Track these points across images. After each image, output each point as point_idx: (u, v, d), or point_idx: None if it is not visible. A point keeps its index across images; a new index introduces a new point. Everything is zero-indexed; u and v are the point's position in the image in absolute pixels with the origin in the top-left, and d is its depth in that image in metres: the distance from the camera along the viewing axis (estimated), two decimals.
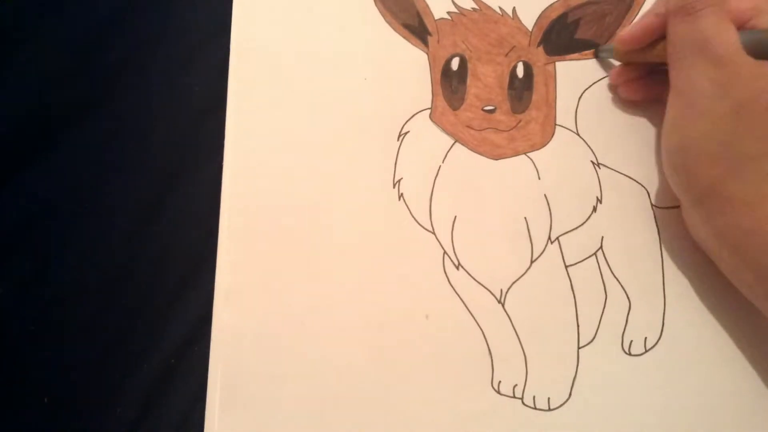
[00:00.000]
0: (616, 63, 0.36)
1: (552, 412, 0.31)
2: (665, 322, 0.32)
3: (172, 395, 0.30)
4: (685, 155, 0.30)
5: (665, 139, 0.31)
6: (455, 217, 0.33)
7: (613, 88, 0.36)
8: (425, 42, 0.36)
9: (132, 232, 0.32)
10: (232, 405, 0.30)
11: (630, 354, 0.32)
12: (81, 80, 0.33)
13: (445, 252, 0.33)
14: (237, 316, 0.30)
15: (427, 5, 0.36)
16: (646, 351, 0.32)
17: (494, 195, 0.34)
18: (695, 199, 0.30)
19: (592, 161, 0.35)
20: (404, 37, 0.36)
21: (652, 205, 0.34)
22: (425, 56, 0.35)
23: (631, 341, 0.32)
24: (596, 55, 0.36)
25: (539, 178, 0.34)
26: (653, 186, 0.34)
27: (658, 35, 0.33)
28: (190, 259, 0.31)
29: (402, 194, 0.33)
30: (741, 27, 0.30)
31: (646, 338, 0.32)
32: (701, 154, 0.29)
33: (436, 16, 0.36)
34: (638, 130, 0.36)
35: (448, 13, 0.36)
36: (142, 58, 0.34)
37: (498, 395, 0.31)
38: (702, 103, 0.29)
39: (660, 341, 0.32)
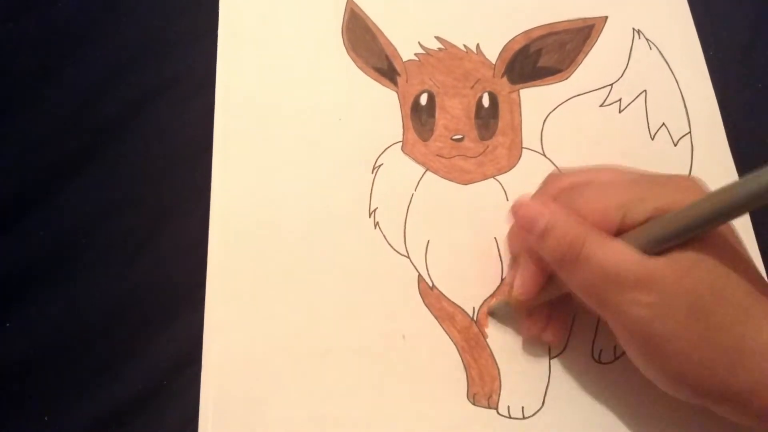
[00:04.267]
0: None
1: (526, 420, 0.32)
2: None
3: (163, 416, 0.32)
4: (680, 379, 0.27)
5: (648, 373, 0.29)
6: (428, 241, 0.35)
7: (534, 337, 0.33)
8: (395, 82, 0.39)
9: (126, 265, 0.35)
10: (224, 425, 0.32)
11: (600, 362, 0.33)
12: (79, 132, 0.37)
13: (419, 274, 0.35)
14: (226, 344, 0.33)
15: (396, 49, 0.39)
16: (616, 359, 0.33)
17: (465, 218, 0.36)
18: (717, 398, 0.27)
19: None
20: (375, 79, 0.39)
21: None
22: (395, 94, 0.38)
23: (601, 350, 0.33)
24: (492, 314, 0.34)
25: (507, 200, 0.36)
26: None
27: (545, 277, 0.31)
28: (182, 289, 0.34)
29: (377, 223, 0.36)
30: (619, 231, 0.28)
31: (615, 347, 0.33)
32: (690, 369, 0.26)
33: (404, 58, 0.39)
34: (603, 146, 0.38)
35: (416, 54, 0.39)
36: (136, 109, 0.38)
37: (474, 407, 0.32)
38: (654, 331, 0.26)
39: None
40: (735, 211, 0.25)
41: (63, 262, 0.35)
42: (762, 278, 0.28)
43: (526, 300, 0.31)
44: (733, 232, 0.29)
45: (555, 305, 0.32)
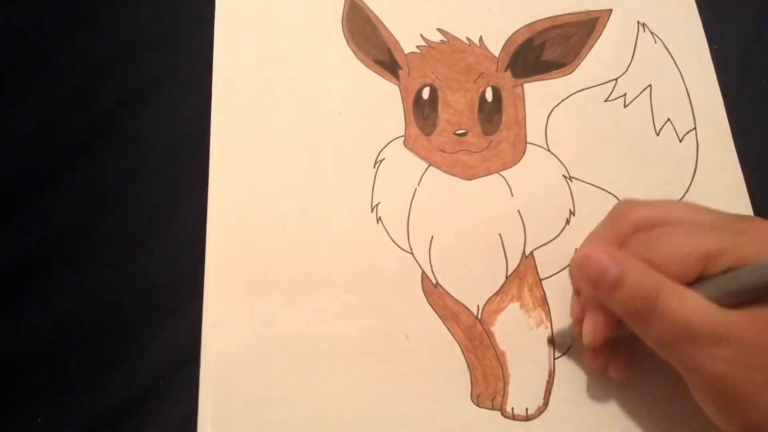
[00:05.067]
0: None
1: (530, 422, 0.31)
2: None
3: (160, 416, 0.31)
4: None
5: (724, 425, 0.27)
6: (432, 236, 0.34)
7: (598, 373, 0.32)
8: (396, 75, 0.38)
9: (122, 263, 0.34)
10: (223, 426, 0.31)
11: None
12: (73, 126, 0.36)
13: (423, 271, 0.34)
14: (224, 343, 0.32)
15: (397, 41, 0.38)
16: None
17: (469, 214, 0.35)
18: None
19: (563, 175, 0.36)
20: (376, 72, 0.38)
21: None
22: (397, 88, 0.38)
23: None
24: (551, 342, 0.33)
25: (512, 195, 0.35)
26: (625, 196, 0.35)
27: (615, 322, 0.29)
28: (179, 287, 0.33)
29: (380, 218, 0.35)
30: (697, 280, 0.27)
31: None
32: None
33: (406, 51, 0.38)
34: (607, 141, 0.37)
35: (417, 46, 0.38)
36: (132, 103, 0.37)
37: (477, 408, 0.32)
38: (732, 385, 0.26)
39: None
40: None
41: (57, 259, 0.34)
42: None
43: (593, 347, 0.30)
44: None
45: (618, 340, 0.31)
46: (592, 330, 0.29)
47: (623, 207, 0.31)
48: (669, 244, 0.28)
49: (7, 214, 0.34)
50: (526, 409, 0.32)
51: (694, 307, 0.26)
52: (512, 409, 0.31)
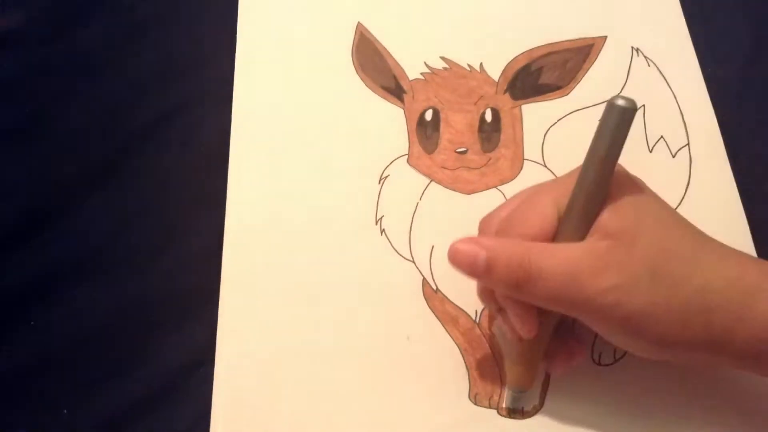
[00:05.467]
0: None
1: (526, 421, 0.32)
2: None
3: (176, 413, 0.33)
4: (662, 343, 0.28)
5: (634, 349, 0.29)
6: (433, 246, 0.37)
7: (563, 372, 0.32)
8: (401, 99, 0.41)
9: (145, 271, 0.37)
10: (235, 423, 0.33)
11: (600, 364, 0.33)
12: (105, 147, 0.40)
13: (423, 278, 0.36)
14: (237, 345, 0.34)
15: (403, 69, 0.41)
16: (616, 361, 0.33)
17: (468, 226, 0.37)
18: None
19: None
20: (382, 97, 0.41)
21: None
22: (401, 111, 0.40)
23: (601, 352, 0.34)
24: (512, 416, 0.33)
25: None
26: None
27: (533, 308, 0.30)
28: (197, 293, 0.36)
29: (384, 229, 0.37)
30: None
31: (615, 349, 0.34)
32: (668, 331, 0.27)
33: (411, 77, 0.41)
34: None
35: (422, 73, 0.41)
36: (157, 125, 0.41)
37: (475, 407, 0.33)
38: (626, 309, 0.27)
39: (628, 352, 0.33)
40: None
41: (85, 266, 0.37)
42: (685, 221, 0.29)
43: (535, 338, 0.30)
44: (646, 186, 0.30)
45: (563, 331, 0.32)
46: (520, 323, 0.29)
47: (486, 217, 0.33)
48: (523, 211, 0.29)
49: (41, 227, 0.38)
50: (522, 407, 0.33)
51: (562, 254, 0.27)
52: (509, 408, 0.33)
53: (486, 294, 0.32)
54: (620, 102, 0.28)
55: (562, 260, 0.27)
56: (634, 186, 0.29)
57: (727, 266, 0.27)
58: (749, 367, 0.28)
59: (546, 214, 0.29)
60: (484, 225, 0.32)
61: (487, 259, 0.28)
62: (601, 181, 0.28)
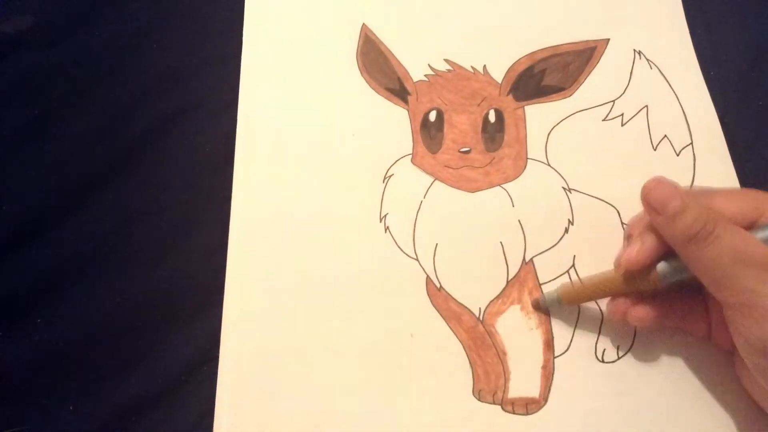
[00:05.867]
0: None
1: (530, 416, 0.32)
2: (637, 330, 0.34)
3: (181, 409, 0.34)
4: None
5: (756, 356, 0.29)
6: (436, 244, 0.37)
7: (621, 319, 0.33)
8: (405, 101, 0.41)
9: (151, 268, 0.37)
10: (238, 420, 0.33)
11: (603, 361, 0.33)
12: (113, 146, 0.41)
13: (427, 276, 0.36)
14: (242, 343, 0.35)
15: (407, 71, 0.42)
16: (619, 358, 0.33)
17: (472, 223, 0.37)
18: None
19: (563, 187, 0.38)
20: (387, 98, 0.41)
21: (622, 223, 0.37)
22: (406, 112, 0.41)
23: (604, 350, 0.34)
24: (537, 307, 0.35)
25: (513, 206, 0.38)
26: (623, 205, 0.37)
27: (659, 255, 0.31)
28: (202, 291, 0.36)
29: (388, 227, 0.37)
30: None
31: (618, 346, 0.34)
32: None
33: (415, 79, 0.42)
34: (606, 156, 0.39)
35: (426, 75, 0.42)
36: (165, 126, 0.41)
37: (479, 403, 0.33)
38: None
39: (632, 349, 0.34)
40: None
41: (93, 263, 0.37)
42: None
43: (635, 268, 0.31)
44: None
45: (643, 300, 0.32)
46: (638, 250, 0.31)
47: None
48: (725, 196, 0.31)
49: (48, 227, 0.38)
50: (526, 405, 0.33)
51: (748, 239, 0.29)
52: (512, 404, 0.33)
53: (638, 220, 0.34)
54: None
55: (741, 241, 0.29)
56: None
57: None
58: None
59: (743, 211, 0.30)
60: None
61: (681, 204, 0.30)
62: None
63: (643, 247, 0.31)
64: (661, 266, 0.31)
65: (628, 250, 0.31)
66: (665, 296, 0.32)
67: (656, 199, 0.31)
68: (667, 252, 0.31)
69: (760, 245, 0.29)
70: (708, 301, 0.32)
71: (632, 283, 0.32)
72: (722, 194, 0.31)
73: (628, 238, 0.35)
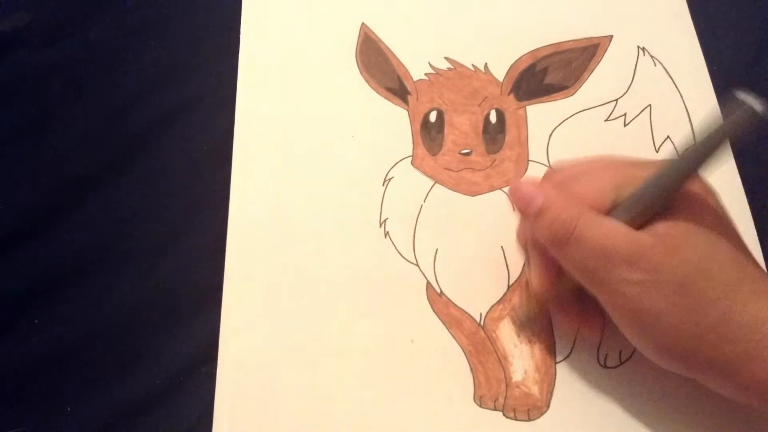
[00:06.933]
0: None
1: (531, 423, 0.32)
2: None
3: (180, 410, 0.34)
4: (669, 352, 0.28)
5: (639, 345, 0.29)
6: (437, 249, 0.36)
7: (569, 333, 0.34)
8: (405, 101, 0.40)
9: (149, 269, 0.37)
10: (237, 421, 0.33)
11: (606, 366, 0.33)
12: (109, 145, 0.40)
13: (428, 281, 0.36)
14: (241, 344, 0.34)
15: (407, 69, 0.41)
16: (621, 363, 0.33)
17: (472, 228, 0.37)
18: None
19: None
20: (386, 98, 0.41)
21: None
22: (406, 112, 0.40)
23: (607, 354, 0.34)
24: (518, 323, 0.35)
25: (514, 210, 0.37)
26: None
27: (556, 267, 0.31)
28: (200, 292, 0.36)
29: (388, 232, 0.37)
30: (612, 209, 0.29)
31: (620, 351, 0.34)
32: (678, 342, 0.27)
33: (415, 78, 0.41)
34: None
35: (426, 74, 0.41)
36: (162, 125, 0.41)
37: (480, 409, 0.33)
38: (643, 307, 0.27)
39: (634, 354, 0.33)
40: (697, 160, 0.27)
41: (90, 264, 0.37)
42: (746, 251, 0.29)
43: (543, 294, 0.32)
44: (719, 203, 0.30)
45: (583, 300, 0.32)
46: (535, 275, 0.32)
47: (552, 168, 0.35)
48: (586, 179, 0.30)
49: (44, 226, 0.38)
50: (528, 411, 0.33)
51: (608, 231, 0.28)
52: (514, 410, 0.33)
53: (522, 236, 0.34)
54: (754, 104, 0.25)
55: (603, 236, 0.28)
56: (703, 200, 0.29)
57: (761, 307, 0.27)
58: (753, 403, 0.28)
59: (604, 191, 0.29)
60: (550, 173, 0.34)
61: (541, 204, 0.29)
62: (678, 187, 0.28)
63: (537, 272, 0.32)
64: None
65: (532, 284, 0.32)
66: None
67: (520, 200, 0.31)
68: None
69: (623, 234, 0.28)
70: None
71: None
72: (585, 174, 0.31)
73: (523, 249, 0.35)
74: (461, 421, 0.33)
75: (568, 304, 0.33)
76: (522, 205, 0.31)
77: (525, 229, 0.34)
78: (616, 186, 0.29)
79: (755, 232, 0.37)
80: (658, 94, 0.41)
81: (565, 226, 0.28)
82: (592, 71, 0.41)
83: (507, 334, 0.34)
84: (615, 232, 0.28)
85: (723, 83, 0.41)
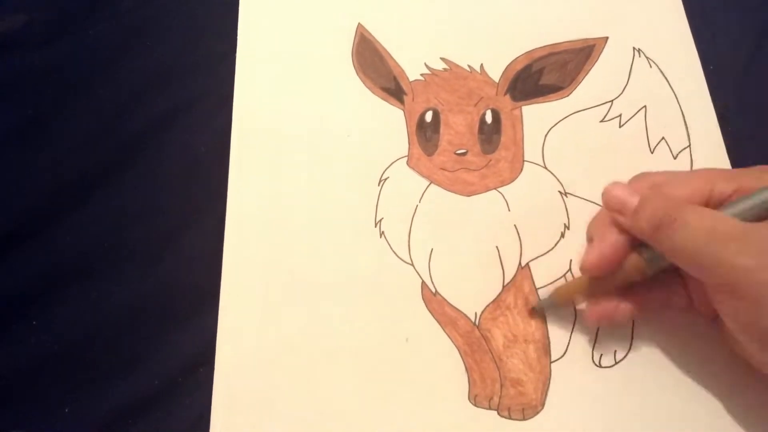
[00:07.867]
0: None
1: (526, 422, 0.32)
2: (634, 335, 0.34)
3: (177, 412, 0.34)
4: None
5: (747, 329, 0.29)
6: (432, 249, 0.37)
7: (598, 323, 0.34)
8: (401, 101, 0.41)
9: (146, 270, 0.37)
10: (234, 422, 0.33)
11: (600, 366, 0.33)
12: (107, 145, 0.40)
13: (423, 281, 0.36)
14: (238, 345, 0.35)
15: (403, 70, 0.41)
16: (616, 363, 0.33)
17: (467, 228, 0.37)
18: None
19: (559, 191, 0.38)
20: (382, 98, 0.41)
21: None
22: (401, 112, 0.40)
23: (601, 354, 0.34)
24: (533, 314, 0.35)
25: (509, 210, 0.37)
26: None
27: (622, 256, 0.31)
28: (197, 293, 0.36)
29: (383, 232, 0.37)
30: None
31: (615, 351, 0.34)
32: None
33: (411, 78, 0.41)
34: (603, 159, 0.39)
35: (422, 74, 0.41)
36: (160, 125, 0.41)
37: (475, 408, 0.33)
38: (754, 281, 0.27)
39: (629, 354, 0.33)
40: None
41: (86, 266, 0.37)
42: None
43: (600, 274, 0.31)
44: None
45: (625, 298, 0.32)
46: (599, 255, 0.31)
47: (639, 174, 0.34)
48: (678, 182, 0.31)
49: (41, 228, 0.38)
50: (522, 410, 0.33)
51: (716, 215, 0.29)
52: (508, 409, 0.33)
53: (598, 223, 0.34)
54: None
55: (710, 218, 0.28)
56: None
57: None
58: None
59: (699, 191, 0.30)
60: (638, 178, 0.34)
61: (640, 200, 0.31)
62: None
63: (603, 252, 0.31)
64: (635, 259, 0.31)
65: (587, 257, 0.32)
66: (641, 284, 0.32)
67: (616, 201, 0.32)
68: (636, 245, 0.31)
69: (729, 219, 0.28)
70: (686, 276, 0.32)
71: (610, 280, 0.32)
72: (673, 181, 0.32)
73: (588, 240, 0.35)
74: (456, 420, 0.33)
75: (607, 296, 0.32)
76: (617, 204, 0.32)
77: (601, 221, 0.34)
78: (709, 181, 0.30)
79: None
80: (653, 95, 0.41)
81: (669, 212, 0.29)
82: (588, 72, 0.41)
83: (502, 334, 0.35)
84: (722, 216, 0.29)
85: (718, 84, 0.42)
